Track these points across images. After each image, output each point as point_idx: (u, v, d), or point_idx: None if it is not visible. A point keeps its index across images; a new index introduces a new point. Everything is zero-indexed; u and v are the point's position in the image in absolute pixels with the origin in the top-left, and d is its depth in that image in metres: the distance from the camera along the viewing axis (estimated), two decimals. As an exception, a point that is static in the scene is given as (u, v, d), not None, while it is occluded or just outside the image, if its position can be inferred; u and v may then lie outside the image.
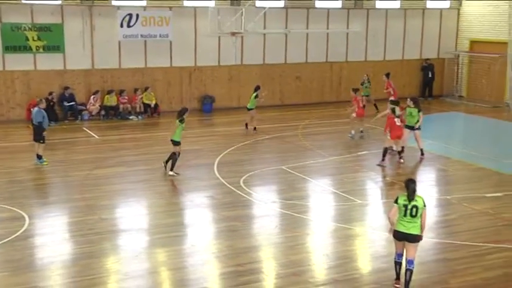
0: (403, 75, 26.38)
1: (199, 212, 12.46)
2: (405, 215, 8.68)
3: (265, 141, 18.75)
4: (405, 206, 8.67)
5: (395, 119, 15.62)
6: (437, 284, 9.10)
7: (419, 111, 16.33)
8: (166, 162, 14.94)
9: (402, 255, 8.91)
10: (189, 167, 15.65)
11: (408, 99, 16.71)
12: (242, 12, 21.65)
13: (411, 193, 8.64)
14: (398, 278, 9.01)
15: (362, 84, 23.12)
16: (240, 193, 13.44)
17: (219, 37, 23.27)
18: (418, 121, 16.28)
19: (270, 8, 23.18)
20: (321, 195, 13.83)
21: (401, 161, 16.02)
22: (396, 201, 8.76)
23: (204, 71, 23.86)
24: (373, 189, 14.48)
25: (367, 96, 22.62)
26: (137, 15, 22.15)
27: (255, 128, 19.81)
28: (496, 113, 23.61)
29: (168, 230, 11.27)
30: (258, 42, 24.27)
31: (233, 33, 22.68)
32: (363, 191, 14.19)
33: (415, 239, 8.72)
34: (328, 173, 15.40)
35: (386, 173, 15.56)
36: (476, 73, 26.63)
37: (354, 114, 18.93)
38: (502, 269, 9.55)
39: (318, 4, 24.91)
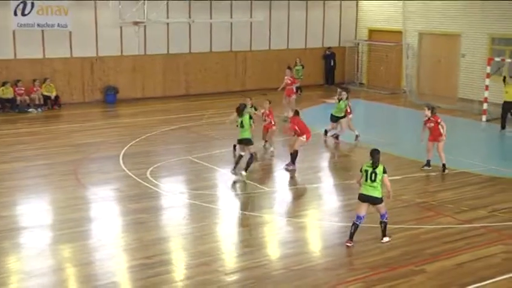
0: (307, 64, 26.80)
1: (105, 206, 12.16)
2: (366, 180, 9.88)
3: (171, 131, 18.55)
4: (366, 171, 9.89)
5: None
6: (342, 266, 9.39)
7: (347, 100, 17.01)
8: (235, 166, 13.69)
9: (361, 218, 9.99)
10: (92, 160, 15.24)
11: (343, 92, 17.09)
12: (144, 1, 21.27)
13: (376, 161, 9.83)
14: (351, 238, 10.01)
15: (294, 66, 24.51)
16: (147, 185, 13.24)
17: (121, 27, 22.75)
18: (345, 110, 16.88)
19: (173, -3, 22.94)
20: (229, 184, 13.87)
21: (294, 167, 14.58)
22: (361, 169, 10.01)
23: (106, 62, 23.23)
24: (281, 176, 14.68)
25: (297, 79, 23.85)
26: (32, 4, 21.20)
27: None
28: (394, 100, 24.62)
29: (73, 225, 10.92)
30: (161, 32, 23.92)
31: (135, 23, 22.23)
32: (271, 178, 14.37)
33: (377, 200, 9.94)
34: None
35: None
36: (375, 61, 27.60)
37: (274, 127, 16.11)
38: (402, 248, 10.00)
39: (221, -7, 24.90)
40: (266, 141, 16.32)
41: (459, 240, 10.35)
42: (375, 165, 9.84)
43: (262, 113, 15.91)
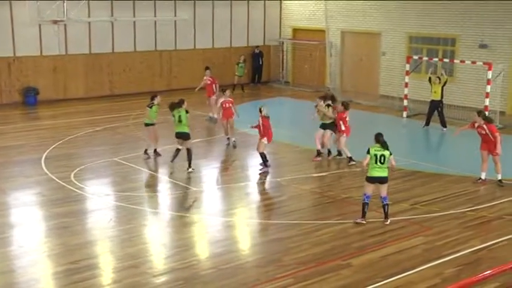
0: (232, 63, 26.93)
1: (27, 211, 11.73)
2: (376, 162, 10.66)
3: (96, 133, 18.13)
4: (375, 155, 10.66)
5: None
6: (271, 263, 9.45)
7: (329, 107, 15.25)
8: (172, 160, 14.39)
9: (370, 197, 10.87)
10: (13, 164, 14.67)
11: (327, 98, 15.52)
12: (64, -1, 20.73)
13: (383, 143, 10.70)
14: (364, 216, 10.94)
15: (238, 64, 25.30)
16: (71, 188, 12.89)
17: (40, 25, 22.04)
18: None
19: (94, -6, 22.45)
20: (156, 185, 13.72)
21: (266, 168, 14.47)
22: (368, 152, 10.70)
23: (24, 62, 22.42)
24: (208, 175, 14.65)
25: (240, 76, 24.79)
26: None
27: (155, 151, 15.43)
28: (319, 97, 24.98)
29: (-8, 233, 10.49)
30: (83, 31, 23.33)
31: (55, 22, 21.61)
32: (197, 178, 14.28)
33: (385, 180, 10.84)
34: (162, 162, 15.27)
35: (221, 160, 15.91)
36: (299, 59, 28.00)
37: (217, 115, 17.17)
38: (329, 243, 10.18)
39: (144, -9, 24.55)
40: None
41: (383, 233, 10.66)
42: (385, 147, 10.69)
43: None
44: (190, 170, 14.09)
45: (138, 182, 13.77)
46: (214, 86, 19.94)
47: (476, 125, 13.45)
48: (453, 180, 13.78)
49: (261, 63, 27.73)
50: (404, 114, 20.98)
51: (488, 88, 18.90)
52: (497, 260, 9.38)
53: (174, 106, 14.48)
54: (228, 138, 16.91)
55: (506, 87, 20.59)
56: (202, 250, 10.28)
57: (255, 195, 13.35)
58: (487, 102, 18.83)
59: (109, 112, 21.22)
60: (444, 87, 18.90)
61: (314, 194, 12.86)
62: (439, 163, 15.23)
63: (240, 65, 25.52)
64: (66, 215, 11.35)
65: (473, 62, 20.05)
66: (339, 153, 15.34)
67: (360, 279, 8.90)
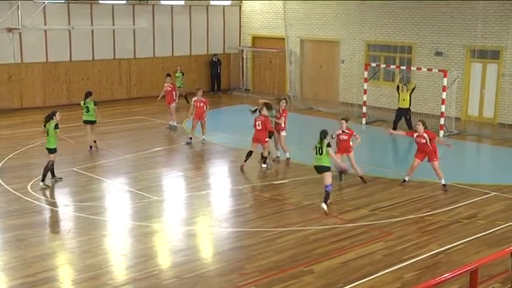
0: (192, 71, 26.94)
1: (-19, 224, 11.44)
2: (316, 154, 12.05)
3: (53, 142, 17.78)
4: (316, 147, 12.07)
5: (258, 122, 14.91)
6: (234, 271, 9.42)
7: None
8: (49, 174, 13.66)
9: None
10: (-33, 176, 14.30)
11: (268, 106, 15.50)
12: (18, 6, 20.34)
13: (320, 137, 11.97)
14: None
15: (175, 74, 24.38)
16: (28, 199, 12.61)
17: (-6, 33, 21.60)
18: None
19: (49, 2, 22.10)
20: (116, 195, 13.55)
21: (264, 166, 15.12)
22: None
23: (-21, 70, 21.96)
24: (168, 184, 14.55)
25: (179, 87, 23.50)
26: None
27: (95, 142, 16.92)
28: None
29: None
30: (39, 39, 22.95)
31: (9, 29, 21.20)
32: (159, 187, 14.18)
33: (324, 168, 12.02)
34: (122, 172, 15.14)
35: (182, 168, 15.80)
36: (259, 67, 28.15)
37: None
38: (290, 251, 10.20)
39: (102, -1, 24.31)
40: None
41: (344, 239, 10.74)
42: (321, 141, 11.93)
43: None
44: (41, 183, 13.40)
45: (97, 192, 13.57)
46: (174, 93, 19.81)
47: (415, 134, 13.67)
48: (412, 185, 13.99)
49: (219, 71, 27.72)
50: (364, 120, 21.25)
51: (444, 95, 19.30)
52: (455, 263, 9.56)
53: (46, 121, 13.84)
54: (191, 138, 17.50)
55: (461, 94, 21.08)
56: (164, 259, 10.18)
57: (216, 204, 13.30)
58: (443, 108, 19.22)
59: (67, 121, 20.76)
60: (412, 94, 19.23)
61: (275, 201, 12.89)
62: (398, 169, 15.44)
63: (176, 74, 24.25)
64: (22, 227, 11.09)
65: (430, 69, 20.46)
66: (264, 160, 15.18)
67: (322, 286, 8.94)
